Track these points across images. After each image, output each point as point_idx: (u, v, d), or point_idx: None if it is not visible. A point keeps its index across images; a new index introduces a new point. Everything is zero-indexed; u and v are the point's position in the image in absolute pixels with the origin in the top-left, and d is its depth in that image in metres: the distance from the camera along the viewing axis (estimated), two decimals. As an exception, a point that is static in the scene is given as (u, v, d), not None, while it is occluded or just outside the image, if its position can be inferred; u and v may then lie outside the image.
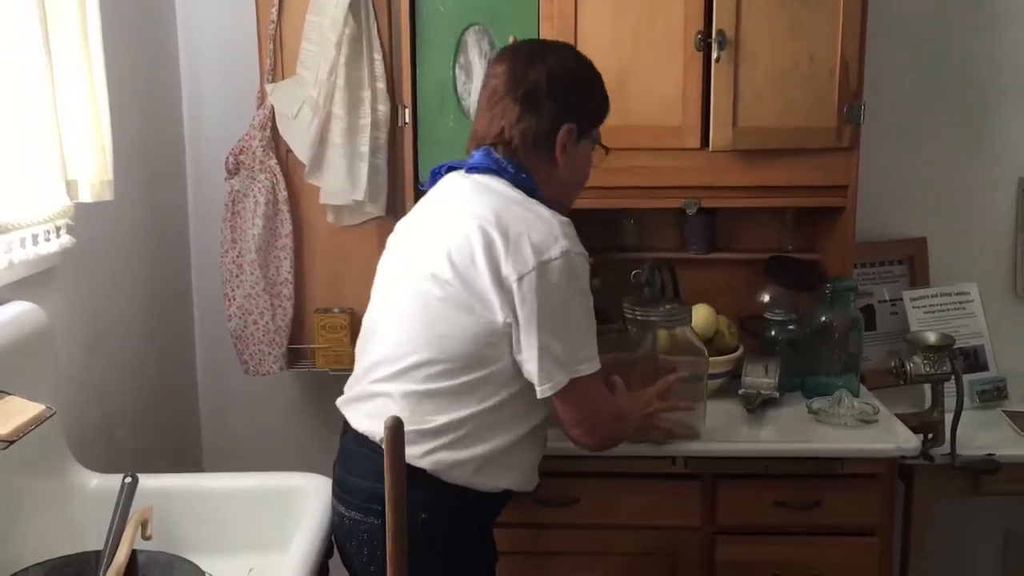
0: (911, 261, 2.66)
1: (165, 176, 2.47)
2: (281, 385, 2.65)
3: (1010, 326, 2.63)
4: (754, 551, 2.13)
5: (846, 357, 2.30)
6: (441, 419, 1.60)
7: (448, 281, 1.60)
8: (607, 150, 1.84)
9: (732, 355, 2.30)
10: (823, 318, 2.31)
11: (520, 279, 1.57)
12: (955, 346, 2.23)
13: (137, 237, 2.31)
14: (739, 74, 2.23)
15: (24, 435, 1.38)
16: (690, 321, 2.11)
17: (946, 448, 2.18)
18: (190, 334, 2.65)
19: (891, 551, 2.18)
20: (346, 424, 1.72)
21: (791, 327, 2.35)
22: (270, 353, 2.35)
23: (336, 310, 2.38)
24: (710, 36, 2.21)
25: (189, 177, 2.59)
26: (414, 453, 1.55)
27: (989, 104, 2.63)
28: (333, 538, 1.73)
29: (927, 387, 2.25)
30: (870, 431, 2.12)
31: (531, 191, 1.70)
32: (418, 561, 1.40)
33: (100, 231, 2.09)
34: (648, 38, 2.24)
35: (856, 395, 2.25)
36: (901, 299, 2.60)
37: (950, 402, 2.21)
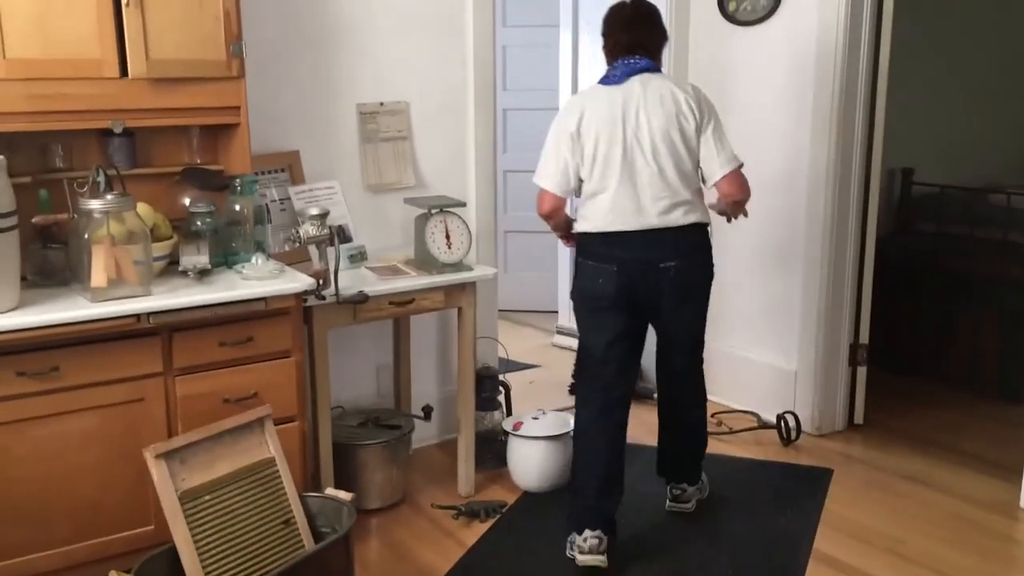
0: (290, 168, 3.48)
1: None
2: None
3: (363, 210, 3.63)
4: (206, 384, 2.77)
5: (256, 234, 3.04)
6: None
7: (683, 132, 2.94)
8: None
9: (170, 241, 2.89)
10: (236, 207, 3.01)
11: (702, 115, 2.97)
12: (329, 223, 3.10)
13: None
14: (146, 17, 2.76)
15: None
16: (134, 208, 2.65)
17: (332, 290, 3.05)
18: None
19: (303, 368, 3.00)
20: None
21: (210, 218, 3.00)
22: None
23: None
24: (119, -16, 2.72)
25: None
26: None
27: (338, 50, 3.56)
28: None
29: (314, 248, 3.09)
30: (281, 280, 2.88)
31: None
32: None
33: None
34: (65, -19, 2.65)
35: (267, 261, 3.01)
36: (288, 198, 3.41)
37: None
